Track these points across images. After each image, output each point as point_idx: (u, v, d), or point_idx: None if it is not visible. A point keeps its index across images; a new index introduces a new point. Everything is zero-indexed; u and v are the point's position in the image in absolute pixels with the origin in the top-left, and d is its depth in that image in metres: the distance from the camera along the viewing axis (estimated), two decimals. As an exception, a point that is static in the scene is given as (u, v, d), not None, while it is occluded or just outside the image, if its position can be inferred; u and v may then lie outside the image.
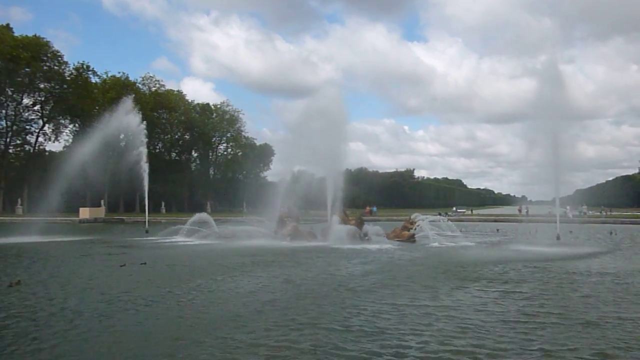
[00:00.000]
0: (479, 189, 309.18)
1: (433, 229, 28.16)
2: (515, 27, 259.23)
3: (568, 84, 27.36)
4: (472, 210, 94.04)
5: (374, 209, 76.16)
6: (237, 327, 8.17)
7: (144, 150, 36.48)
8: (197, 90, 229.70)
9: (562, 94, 25.86)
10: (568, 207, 64.04)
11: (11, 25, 74.04)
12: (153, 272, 14.88)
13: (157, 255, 19.71)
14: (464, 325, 8.29)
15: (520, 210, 70.85)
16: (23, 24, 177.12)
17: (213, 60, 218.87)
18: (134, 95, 53.24)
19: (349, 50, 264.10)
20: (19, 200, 70.18)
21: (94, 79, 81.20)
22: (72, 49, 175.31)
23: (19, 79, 71.60)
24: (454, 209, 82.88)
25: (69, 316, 9.00)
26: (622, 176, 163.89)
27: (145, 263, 16.57)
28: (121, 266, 15.89)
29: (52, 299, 10.50)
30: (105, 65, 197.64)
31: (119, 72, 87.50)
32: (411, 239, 26.70)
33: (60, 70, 74.92)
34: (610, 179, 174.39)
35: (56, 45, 74.84)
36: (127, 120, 36.73)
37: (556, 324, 8.49)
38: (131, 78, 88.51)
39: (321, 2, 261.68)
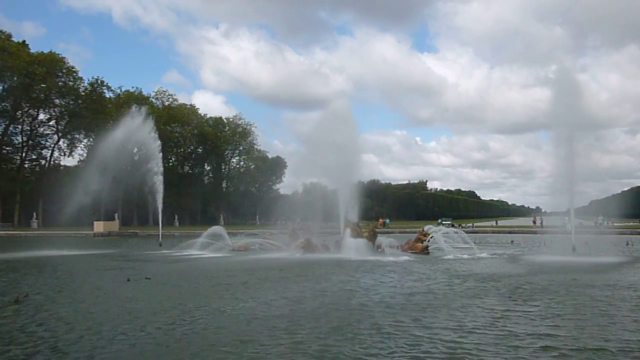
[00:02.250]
0: (492, 200, 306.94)
1: (447, 241, 27.95)
2: (526, 36, 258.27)
3: (582, 92, 27.06)
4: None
5: (387, 221, 75.84)
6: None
7: (157, 163, 36.63)
8: (208, 104, 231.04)
9: (577, 103, 25.64)
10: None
11: (25, 41, 75.37)
12: (156, 288, 14.53)
13: (168, 270, 19.59)
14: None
15: (534, 222, 70.16)
16: (35, 39, 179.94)
17: (223, 73, 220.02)
18: (147, 107, 53.62)
19: (359, 61, 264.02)
20: (34, 214, 70.84)
21: (108, 94, 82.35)
22: (83, 62, 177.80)
23: (35, 95, 72.70)
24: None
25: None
26: (638, 186, 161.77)
27: (150, 278, 16.34)
28: (127, 280, 15.82)
29: (33, 315, 10.45)
30: (117, 78, 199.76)
31: (133, 87, 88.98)
32: (425, 251, 26.49)
33: (75, 86, 75.97)
34: (626, 189, 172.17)
35: (68, 59, 75.68)
36: (141, 133, 36.96)
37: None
38: (144, 92, 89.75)
39: (330, 13, 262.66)
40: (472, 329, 9.02)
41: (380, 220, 72.00)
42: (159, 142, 37.21)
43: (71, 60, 76.22)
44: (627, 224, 72.96)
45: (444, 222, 75.29)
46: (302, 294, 12.94)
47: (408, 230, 53.04)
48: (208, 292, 13.62)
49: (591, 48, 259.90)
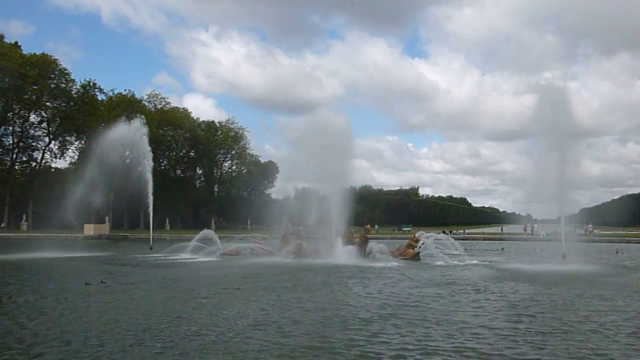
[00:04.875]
0: (483, 207, 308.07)
1: (438, 247, 28.04)
2: (517, 43, 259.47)
3: (572, 100, 27.28)
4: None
5: (376, 227, 76.11)
6: None
7: (149, 167, 36.50)
8: (198, 107, 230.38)
9: (566, 111, 25.82)
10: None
11: (17, 43, 74.91)
12: (111, 294, 13.82)
13: (151, 275, 19.08)
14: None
15: (525, 229, 70.46)
16: (23, 38, 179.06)
17: (214, 76, 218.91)
18: (143, 116, 53.43)
19: (350, 65, 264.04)
20: (24, 216, 70.37)
21: (100, 97, 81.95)
22: (72, 62, 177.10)
23: (26, 97, 72.26)
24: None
25: None
26: (628, 195, 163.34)
27: (105, 282, 16.02)
28: (86, 284, 15.49)
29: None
30: (106, 79, 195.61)
31: (125, 90, 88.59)
32: (416, 257, 26.55)
33: (67, 88, 75.59)
34: (616, 197, 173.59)
35: (60, 61, 75.44)
36: (132, 137, 36.87)
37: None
38: (136, 95, 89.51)
39: (323, 17, 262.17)
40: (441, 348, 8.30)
41: (369, 226, 72.21)
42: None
43: (60, 61, 75.55)
44: (614, 232, 73.64)
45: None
46: (273, 306, 12.11)
47: (399, 236, 53.20)
48: (171, 300, 12.91)
49: (582, 56, 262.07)
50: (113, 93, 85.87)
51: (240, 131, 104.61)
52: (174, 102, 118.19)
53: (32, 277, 18.39)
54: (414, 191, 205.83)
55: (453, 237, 36.54)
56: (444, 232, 51.56)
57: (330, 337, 8.93)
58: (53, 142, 79.50)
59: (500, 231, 79.37)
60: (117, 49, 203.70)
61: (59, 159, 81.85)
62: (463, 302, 12.79)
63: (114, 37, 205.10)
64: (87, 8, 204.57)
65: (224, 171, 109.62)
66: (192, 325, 9.83)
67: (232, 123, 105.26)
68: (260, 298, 13.20)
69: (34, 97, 73.21)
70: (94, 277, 17.61)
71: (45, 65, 71.88)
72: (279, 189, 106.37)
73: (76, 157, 79.83)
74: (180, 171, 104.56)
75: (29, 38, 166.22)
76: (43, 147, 79.34)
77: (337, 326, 9.83)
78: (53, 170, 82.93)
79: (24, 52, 72.79)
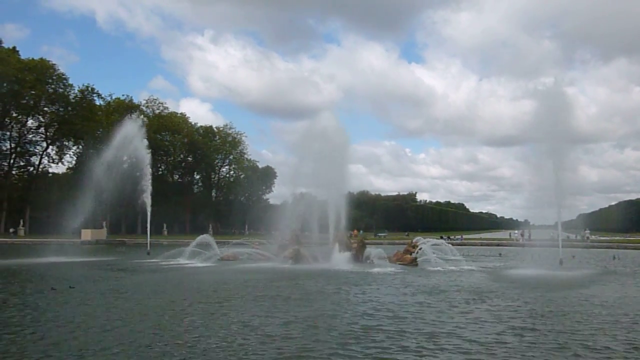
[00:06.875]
0: (481, 212, 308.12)
1: (435, 253, 28.06)
2: (514, 48, 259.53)
3: (570, 106, 27.33)
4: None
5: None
6: None
7: (147, 172, 36.49)
8: (195, 112, 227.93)
9: (564, 117, 25.89)
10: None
11: (16, 47, 74.97)
12: (65, 304, 13.13)
13: (139, 281, 18.87)
14: None
15: (522, 235, 70.39)
16: (18, 41, 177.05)
17: (210, 80, 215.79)
18: (143, 120, 53.36)
19: (347, 70, 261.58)
20: (21, 221, 70.13)
21: (98, 102, 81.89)
22: (68, 66, 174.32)
23: (24, 102, 72.22)
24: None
25: None
26: (626, 201, 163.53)
27: (73, 287, 15.81)
28: (52, 289, 15.36)
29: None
30: (102, 83, 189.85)
31: (123, 95, 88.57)
32: (413, 262, 26.55)
33: (65, 93, 75.48)
34: (613, 203, 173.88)
35: (58, 66, 75.37)
36: (132, 142, 36.85)
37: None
38: (134, 100, 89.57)
39: (319, 20, 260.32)
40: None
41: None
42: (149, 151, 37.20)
43: (58, 65, 75.36)
44: (611, 237, 73.75)
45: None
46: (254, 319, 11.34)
47: (397, 241, 53.12)
48: (142, 311, 12.16)
49: (580, 61, 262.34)
50: (111, 98, 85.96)
51: (238, 136, 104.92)
52: (170, 106, 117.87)
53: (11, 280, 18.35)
54: (411, 196, 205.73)
55: (450, 243, 36.57)
56: (441, 238, 51.52)
57: (309, 350, 8.59)
58: (51, 147, 79.36)
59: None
60: (113, 52, 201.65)
61: (57, 164, 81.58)
62: (457, 312, 12.49)
63: (110, 40, 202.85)
64: (81, 11, 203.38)
65: (222, 176, 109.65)
66: (153, 345, 8.92)
67: (230, 128, 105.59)
68: (251, 308, 12.81)
69: (31, 102, 73.20)
70: (74, 282, 17.30)
71: (43, 70, 71.87)
72: (277, 194, 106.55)
73: (74, 162, 79.76)
74: (178, 176, 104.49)
75: (24, 41, 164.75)
76: (41, 152, 79.26)
77: (324, 339, 9.40)
78: (51, 175, 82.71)
79: (21, 57, 72.84)
